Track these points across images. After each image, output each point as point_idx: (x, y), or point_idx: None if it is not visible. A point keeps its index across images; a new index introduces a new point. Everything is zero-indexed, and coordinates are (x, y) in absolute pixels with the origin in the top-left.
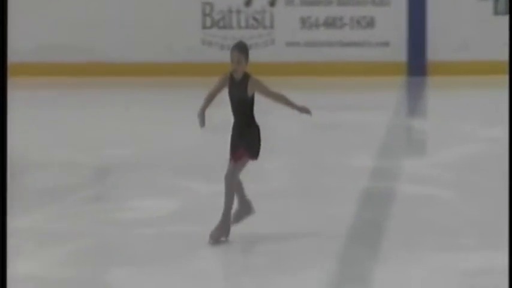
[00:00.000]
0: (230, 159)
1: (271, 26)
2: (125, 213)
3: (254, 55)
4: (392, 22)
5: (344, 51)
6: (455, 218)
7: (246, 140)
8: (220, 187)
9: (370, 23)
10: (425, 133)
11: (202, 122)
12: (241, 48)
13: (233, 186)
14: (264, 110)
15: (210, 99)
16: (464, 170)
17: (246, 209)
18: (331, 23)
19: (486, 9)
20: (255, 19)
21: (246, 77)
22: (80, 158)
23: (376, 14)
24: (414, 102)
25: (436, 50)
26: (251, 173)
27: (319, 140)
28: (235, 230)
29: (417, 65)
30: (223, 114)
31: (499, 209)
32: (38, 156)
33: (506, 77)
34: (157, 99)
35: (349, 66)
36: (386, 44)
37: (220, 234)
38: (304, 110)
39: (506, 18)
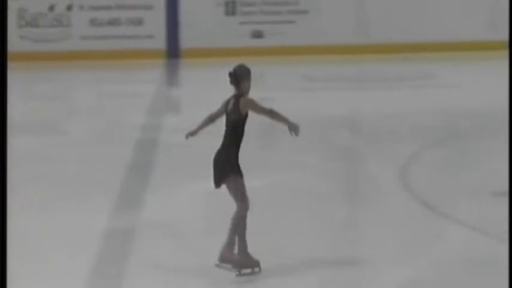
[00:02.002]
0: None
1: (69, 25)
2: None
3: (56, 46)
4: (156, 21)
5: (122, 42)
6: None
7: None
8: None
9: (140, 22)
10: (181, 98)
11: (191, 135)
12: None
13: None
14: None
15: (209, 121)
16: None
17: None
18: (112, 22)
19: (220, 11)
20: (56, 20)
21: None
22: None
23: (144, 16)
24: (172, 78)
25: (187, 40)
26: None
27: (109, 106)
28: None
29: (174, 51)
30: None
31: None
32: None
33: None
34: None
35: (126, 53)
36: (151, 36)
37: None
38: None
39: (235, 17)
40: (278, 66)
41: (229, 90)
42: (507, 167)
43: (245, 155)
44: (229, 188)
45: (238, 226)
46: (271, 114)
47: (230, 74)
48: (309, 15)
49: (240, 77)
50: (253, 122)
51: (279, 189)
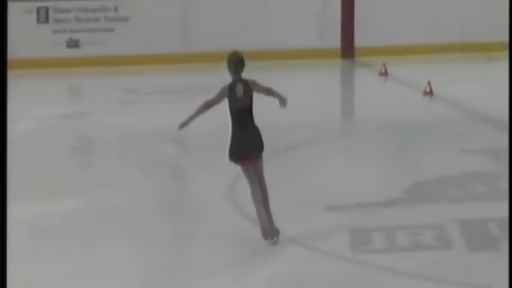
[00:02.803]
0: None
1: None
2: None
3: None
4: None
5: None
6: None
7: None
8: None
9: None
10: None
11: (183, 126)
12: None
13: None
14: None
15: (204, 109)
16: (26, 140)
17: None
18: None
19: (31, 19)
20: None
21: None
22: None
23: None
24: None
25: None
26: None
27: None
28: None
29: None
30: None
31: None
32: None
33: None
34: None
35: None
36: None
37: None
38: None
39: (48, 25)
40: (96, 77)
41: (47, 104)
42: (340, 180)
43: (59, 173)
44: (260, 165)
45: (261, 199)
46: (269, 91)
47: (237, 60)
48: (130, 22)
49: (244, 62)
50: (68, 137)
51: (96, 210)
